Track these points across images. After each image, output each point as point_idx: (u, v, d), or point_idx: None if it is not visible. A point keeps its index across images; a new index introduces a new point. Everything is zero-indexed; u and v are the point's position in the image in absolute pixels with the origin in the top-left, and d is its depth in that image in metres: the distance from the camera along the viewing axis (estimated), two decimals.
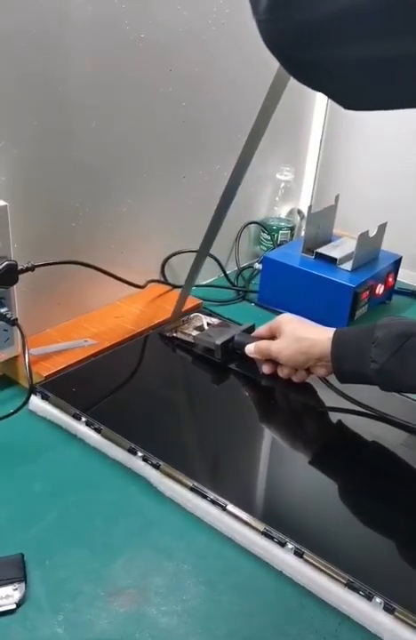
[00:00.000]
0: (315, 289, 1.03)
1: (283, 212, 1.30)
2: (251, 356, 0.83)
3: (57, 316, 0.91)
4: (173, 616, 0.52)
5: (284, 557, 0.57)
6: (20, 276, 0.74)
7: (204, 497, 0.62)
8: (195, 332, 0.91)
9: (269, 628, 0.52)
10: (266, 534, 0.58)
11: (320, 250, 1.09)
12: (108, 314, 0.96)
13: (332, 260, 1.06)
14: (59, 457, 0.69)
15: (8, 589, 0.52)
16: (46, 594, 0.53)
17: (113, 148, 0.91)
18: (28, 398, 0.71)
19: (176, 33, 0.93)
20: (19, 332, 0.73)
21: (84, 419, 0.71)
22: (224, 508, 0.60)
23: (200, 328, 0.93)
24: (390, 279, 1.12)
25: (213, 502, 0.61)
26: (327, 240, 1.14)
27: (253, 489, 0.66)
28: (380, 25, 0.34)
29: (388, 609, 0.51)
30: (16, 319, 0.73)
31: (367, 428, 0.76)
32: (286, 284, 1.07)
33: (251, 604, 0.54)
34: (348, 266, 1.05)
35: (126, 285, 0.96)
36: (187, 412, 0.82)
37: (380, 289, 1.09)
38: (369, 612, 0.52)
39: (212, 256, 1.12)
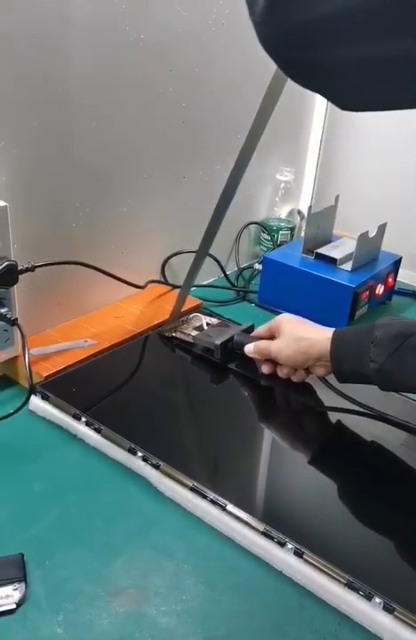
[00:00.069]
0: (315, 289, 1.03)
1: (283, 212, 1.30)
2: (250, 355, 0.84)
3: (57, 316, 0.91)
4: (173, 616, 0.52)
5: (283, 557, 0.57)
6: (20, 277, 0.74)
7: (204, 497, 0.62)
8: (194, 332, 0.91)
9: (269, 628, 0.52)
10: (266, 534, 0.58)
11: (320, 250, 1.09)
12: (108, 314, 0.96)
13: (332, 261, 1.07)
14: (59, 457, 0.69)
15: (8, 589, 0.52)
16: (46, 594, 0.53)
17: (113, 148, 0.91)
18: (28, 398, 0.71)
19: (176, 33, 0.94)
20: (19, 332, 0.73)
21: (83, 419, 0.71)
22: (224, 508, 0.60)
23: (199, 328, 0.93)
24: (390, 279, 1.12)
25: (213, 502, 0.61)
26: (327, 240, 1.14)
27: (253, 489, 0.66)
28: (375, 25, 0.34)
29: (388, 609, 0.51)
30: (16, 319, 0.73)
31: (367, 428, 0.76)
32: (286, 284, 1.07)
33: (250, 604, 0.54)
34: (347, 266, 1.05)
35: (126, 286, 0.96)
36: (186, 412, 0.82)
37: (379, 289, 1.09)
38: (369, 611, 0.52)
39: (212, 256, 1.12)
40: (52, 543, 0.58)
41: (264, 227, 1.27)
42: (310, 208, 1.08)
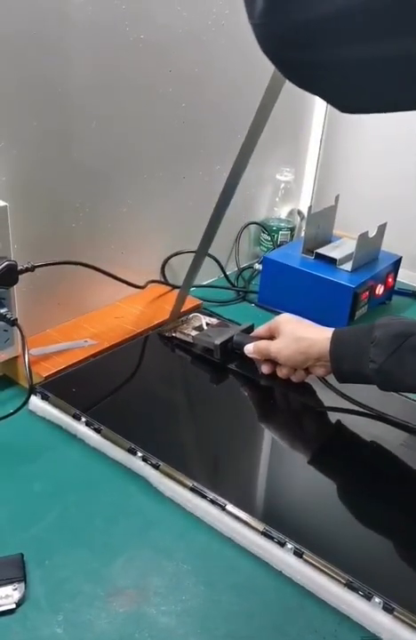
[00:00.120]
0: (315, 289, 1.03)
1: (283, 212, 1.30)
2: (250, 356, 0.84)
3: (57, 316, 0.91)
4: (173, 616, 0.52)
5: (283, 557, 0.57)
6: (20, 277, 0.74)
7: (204, 497, 0.62)
8: (194, 332, 0.91)
9: (269, 628, 0.52)
10: (265, 534, 0.58)
11: (320, 250, 1.09)
12: (108, 314, 0.96)
13: (331, 261, 1.07)
14: (59, 457, 0.69)
15: (8, 589, 0.52)
16: (46, 594, 0.53)
17: (113, 148, 0.91)
18: (28, 398, 0.71)
19: (176, 34, 0.94)
20: (19, 332, 0.73)
21: (83, 419, 0.71)
22: (223, 508, 0.60)
23: (199, 328, 0.93)
24: (390, 279, 1.12)
25: (213, 502, 0.61)
26: (327, 240, 1.14)
27: (253, 489, 0.66)
28: (374, 25, 0.34)
29: (388, 609, 0.52)
30: (16, 319, 0.74)
31: (366, 428, 0.76)
32: (286, 284, 1.07)
33: (250, 604, 0.54)
34: (347, 266, 1.05)
35: (126, 286, 0.96)
36: (186, 412, 0.82)
37: (379, 289, 1.09)
38: (368, 611, 0.52)
39: (212, 257, 1.12)
40: (52, 543, 0.58)
41: (264, 227, 1.27)
42: (310, 208, 1.08)
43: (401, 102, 0.40)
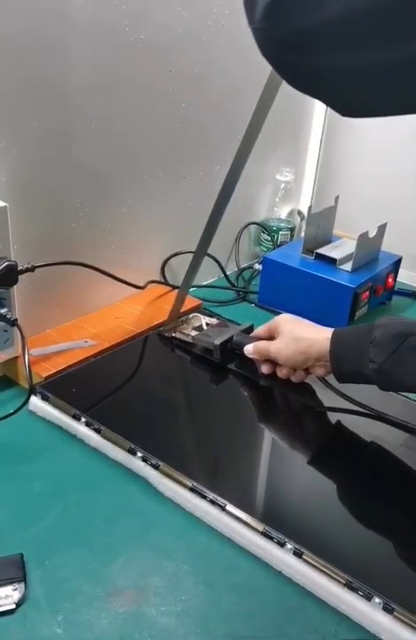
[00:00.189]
0: (315, 290, 1.03)
1: (283, 212, 1.30)
2: (250, 356, 0.84)
3: (57, 316, 0.91)
4: (172, 616, 0.52)
5: (283, 557, 0.57)
6: (20, 277, 0.74)
7: (204, 497, 0.62)
8: (194, 333, 0.91)
9: (269, 628, 0.52)
10: (265, 534, 0.58)
11: (320, 250, 1.09)
12: (108, 314, 0.96)
13: (331, 261, 1.07)
14: (59, 457, 0.69)
15: (7, 589, 0.52)
16: (46, 594, 0.53)
17: (113, 148, 0.91)
18: (28, 399, 0.71)
19: (176, 34, 0.94)
20: (19, 332, 0.73)
21: (83, 419, 0.72)
22: (223, 509, 0.60)
23: (199, 328, 0.93)
24: (390, 280, 1.12)
25: (213, 502, 0.61)
26: (327, 241, 1.14)
27: (253, 489, 0.67)
28: (374, 30, 0.34)
29: (387, 609, 0.52)
30: (16, 320, 0.74)
31: (366, 428, 0.76)
32: (286, 284, 1.07)
33: (250, 604, 0.54)
34: (347, 266, 1.05)
35: (126, 286, 0.96)
36: (186, 412, 0.82)
37: (379, 289, 1.09)
38: (368, 611, 0.52)
39: (212, 257, 1.12)
40: (52, 543, 0.58)
41: (264, 227, 1.27)
42: (310, 208, 1.08)
43: (401, 106, 0.40)
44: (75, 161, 0.85)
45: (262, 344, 0.82)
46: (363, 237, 1.04)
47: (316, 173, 1.38)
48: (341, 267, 1.06)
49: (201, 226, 0.87)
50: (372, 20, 0.33)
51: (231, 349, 0.87)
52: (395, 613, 0.51)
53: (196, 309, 1.01)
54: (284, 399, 0.83)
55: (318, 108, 1.32)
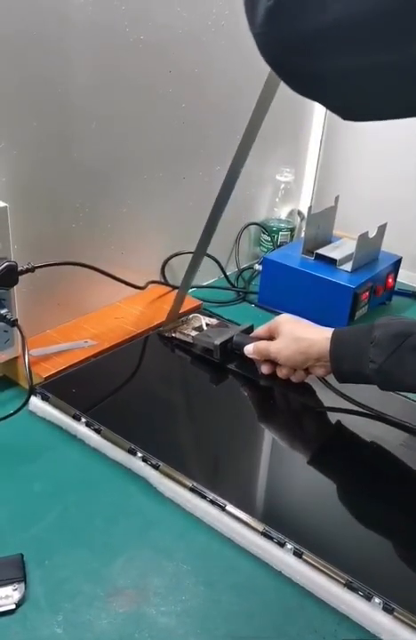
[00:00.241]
0: (315, 290, 1.03)
1: (283, 213, 1.30)
2: (249, 356, 0.84)
3: (57, 316, 0.91)
4: (172, 616, 0.52)
5: (283, 557, 0.57)
6: (20, 277, 0.74)
7: (204, 497, 0.62)
8: (194, 333, 0.91)
9: (269, 628, 0.52)
10: (265, 534, 0.58)
11: (320, 251, 1.09)
12: (108, 315, 0.96)
13: (331, 261, 1.07)
14: (59, 457, 0.69)
15: (8, 590, 0.52)
16: (46, 594, 0.53)
17: (113, 148, 0.91)
18: (28, 399, 0.71)
19: (176, 34, 0.94)
20: (19, 333, 0.73)
21: (83, 419, 0.72)
22: (223, 509, 0.60)
23: (199, 328, 0.93)
24: (390, 280, 1.12)
25: (213, 502, 0.61)
26: (327, 241, 1.14)
27: (253, 489, 0.67)
28: (376, 34, 0.34)
29: (387, 609, 0.52)
30: (16, 320, 0.74)
31: (366, 428, 0.76)
32: (286, 285, 1.07)
33: (250, 604, 0.54)
34: (347, 267, 1.05)
35: (126, 286, 0.96)
36: (186, 412, 0.82)
37: (379, 290, 1.09)
38: (368, 611, 0.52)
39: (212, 257, 1.12)
40: (52, 543, 0.58)
41: (264, 227, 1.27)
42: (310, 209, 1.08)
43: (401, 109, 0.40)
44: (75, 161, 0.86)
45: (262, 344, 0.82)
46: (363, 238, 1.04)
47: (316, 174, 1.38)
48: (341, 267, 1.06)
49: (201, 226, 0.87)
50: (373, 23, 0.33)
51: (231, 349, 0.87)
52: (395, 613, 0.51)
53: (197, 310, 1.01)
54: (284, 399, 0.83)
55: (318, 109, 1.32)
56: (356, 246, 1.04)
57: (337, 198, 1.11)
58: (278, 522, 0.59)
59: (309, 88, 0.40)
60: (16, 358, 0.79)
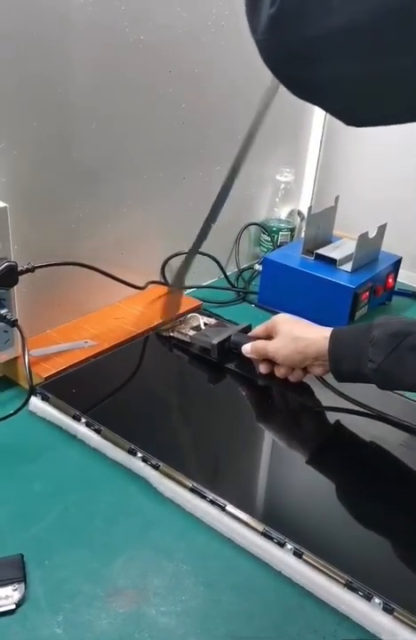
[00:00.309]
0: (315, 290, 1.03)
1: (283, 213, 1.30)
2: (247, 355, 0.84)
3: (57, 317, 0.91)
4: (172, 616, 0.52)
5: (283, 557, 0.57)
6: (20, 278, 0.74)
7: (204, 497, 0.62)
8: (192, 332, 0.91)
9: (269, 628, 0.52)
10: (265, 534, 0.58)
11: (320, 251, 1.09)
12: (108, 315, 0.96)
13: (331, 262, 1.07)
14: (59, 457, 0.69)
15: (7, 590, 0.52)
16: (46, 594, 0.53)
17: (113, 148, 0.91)
18: (28, 399, 0.71)
19: (176, 35, 0.94)
20: (19, 333, 0.73)
21: (83, 419, 0.72)
22: (223, 509, 0.60)
23: (197, 328, 0.93)
24: (390, 280, 1.12)
25: (213, 503, 0.61)
26: (327, 241, 1.14)
27: (252, 489, 0.67)
28: (377, 39, 0.34)
29: (387, 609, 0.52)
30: (16, 320, 0.74)
31: (365, 428, 0.76)
32: (286, 285, 1.07)
33: (250, 604, 0.54)
34: (347, 267, 1.05)
35: (126, 286, 0.96)
36: (185, 412, 0.82)
37: (379, 290, 1.09)
38: (368, 612, 0.52)
39: (212, 257, 1.12)
40: (52, 543, 0.58)
41: (264, 228, 1.27)
42: (310, 209, 1.08)
43: (403, 115, 0.40)
44: (75, 161, 0.86)
45: (260, 343, 0.82)
46: (363, 238, 1.04)
47: (316, 174, 1.38)
48: (341, 267, 1.06)
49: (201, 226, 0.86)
50: (375, 29, 0.33)
51: (229, 349, 0.87)
52: (395, 613, 0.51)
53: (196, 310, 1.01)
54: (283, 399, 0.83)
55: (318, 109, 1.30)
56: (356, 246, 1.04)
57: (337, 198, 1.11)
58: (278, 522, 0.59)
59: (311, 93, 0.41)
60: (16, 358, 0.79)
